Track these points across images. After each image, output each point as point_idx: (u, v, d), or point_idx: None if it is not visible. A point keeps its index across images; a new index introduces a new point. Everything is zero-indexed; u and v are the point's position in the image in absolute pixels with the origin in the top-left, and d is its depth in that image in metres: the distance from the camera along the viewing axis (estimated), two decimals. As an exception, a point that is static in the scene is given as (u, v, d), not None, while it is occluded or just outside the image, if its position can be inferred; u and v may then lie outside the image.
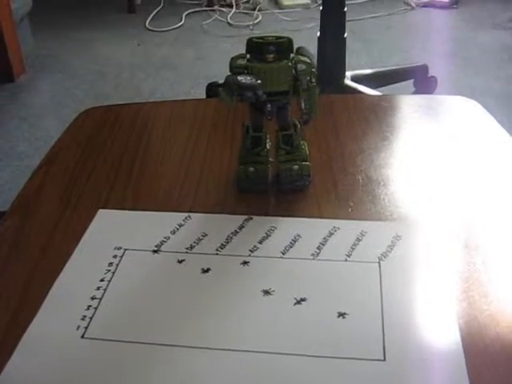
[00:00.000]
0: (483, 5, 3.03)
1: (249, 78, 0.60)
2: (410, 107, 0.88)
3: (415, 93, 2.15)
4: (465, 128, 0.81)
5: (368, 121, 0.82)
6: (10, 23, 2.39)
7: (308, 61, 0.63)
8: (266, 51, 0.62)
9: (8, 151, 1.97)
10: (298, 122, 0.66)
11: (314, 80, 0.63)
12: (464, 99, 0.88)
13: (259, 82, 0.59)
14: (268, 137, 0.67)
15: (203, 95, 2.11)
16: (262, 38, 0.62)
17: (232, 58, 0.62)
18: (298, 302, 0.52)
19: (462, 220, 0.63)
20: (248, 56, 0.63)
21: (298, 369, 0.47)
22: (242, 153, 0.67)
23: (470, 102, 0.87)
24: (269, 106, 0.63)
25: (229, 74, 0.61)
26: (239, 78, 0.59)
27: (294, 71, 0.62)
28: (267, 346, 0.49)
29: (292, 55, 0.63)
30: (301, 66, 0.62)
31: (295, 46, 0.63)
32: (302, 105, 0.63)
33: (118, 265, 0.57)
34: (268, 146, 0.67)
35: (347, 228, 0.61)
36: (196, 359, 0.48)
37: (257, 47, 0.62)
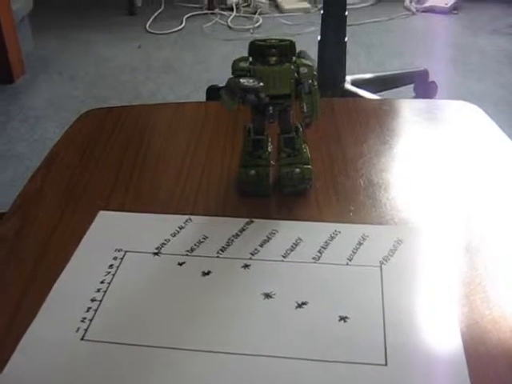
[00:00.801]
0: (483, 10, 3.04)
1: (251, 80, 0.59)
2: (411, 111, 0.88)
3: (415, 98, 2.15)
4: (466, 133, 0.81)
5: (369, 125, 0.82)
6: (11, 24, 2.38)
7: (310, 64, 0.62)
8: (268, 54, 0.62)
9: (7, 152, 1.97)
10: (299, 125, 0.66)
11: (315, 83, 0.63)
12: (465, 104, 0.88)
13: (261, 84, 0.59)
14: (269, 140, 0.67)
15: (203, 98, 2.11)
16: (264, 40, 0.62)
17: (234, 61, 0.62)
18: (299, 306, 0.52)
19: (464, 225, 0.63)
20: (250, 59, 0.63)
21: (298, 373, 0.46)
22: (244, 156, 0.67)
23: (472, 107, 0.87)
24: (271, 108, 0.63)
25: (231, 76, 0.61)
26: (241, 80, 0.59)
27: (296, 74, 0.62)
28: (268, 350, 0.48)
29: (294, 58, 0.63)
30: (303, 69, 0.62)
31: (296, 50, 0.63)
32: (304, 108, 0.63)
33: (118, 267, 0.57)
34: (269, 149, 0.66)
35: (348, 232, 0.61)
36: (195, 362, 0.47)
37: (259, 50, 0.62)
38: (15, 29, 2.43)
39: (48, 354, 0.48)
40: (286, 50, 0.62)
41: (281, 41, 0.62)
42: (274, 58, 0.61)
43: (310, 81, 0.62)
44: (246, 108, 0.63)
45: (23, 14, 2.52)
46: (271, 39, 0.62)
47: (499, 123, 0.82)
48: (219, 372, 0.47)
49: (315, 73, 0.63)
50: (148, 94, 2.32)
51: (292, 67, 0.62)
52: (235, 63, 0.62)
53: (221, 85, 0.60)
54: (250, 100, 0.59)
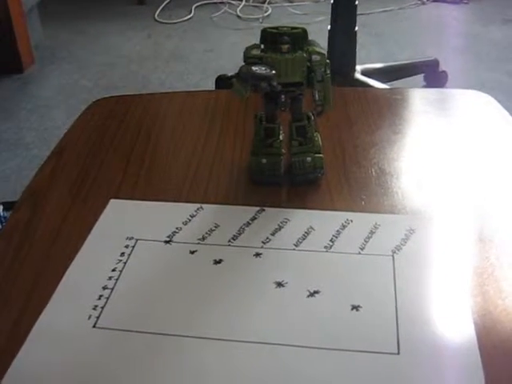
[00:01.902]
0: (494, 0, 3.01)
1: (263, 68, 0.59)
2: (422, 101, 0.88)
3: (425, 87, 2.14)
4: (478, 122, 0.80)
5: (381, 114, 0.81)
6: (20, 14, 2.38)
7: (323, 52, 0.62)
8: (280, 42, 0.61)
9: (16, 141, 1.98)
10: (311, 114, 0.65)
11: (328, 71, 0.62)
12: (477, 93, 0.88)
13: (274, 72, 0.59)
14: (281, 128, 0.66)
15: (212, 87, 2.10)
16: (276, 28, 0.62)
17: (246, 48, 0.62)
18: (311, 295, 0.52)
19: (476, 214, 0.62)
20: (262, 46, 0.62)
21: (310, 362, 0.46)
22: (255, 144, 0.66)
23: (484, 96, 0.86)
24: (283, 96, 0.62)
25: (243, 64, 0.61)
26: (254, 68, 0.59)
27: (308, 62, 0.62)
28: (280, 338, 0.48)
29: (306, 46, 0.62)
30: (315, 57, 0.62)
31: (305, 39, 0.63)
32: (316, 96, 0.62)
33: (129, 255, 0.57)
34: (281, 138, 0.66)
35: (360, 221, 0.61)
36: (208, 350, 0.48)
37: (271, 37, 0.62)
38: (24, 18, 2.42)
39: (60, 342, 0.48)
40: (299, 37, 0.62)
41: (293, 28, 0.62)
42: (287, 46, 0.61)
43: (323, 69, 0.62)
44: (256, 96, 0.63)
45: (32, 3, 2.51)
46: (283, 27, 0.62)
47: (510, 112, 0.82)
48: (230, 360, 0.47)
49: (328, 61, 0.62)
50: (157, 83, 2.31)
51: (304, 55, 0.61)
52: (247, 51, 0.62)
53: (230, 74, 0.60)
54: (262, 88, 0.59)
